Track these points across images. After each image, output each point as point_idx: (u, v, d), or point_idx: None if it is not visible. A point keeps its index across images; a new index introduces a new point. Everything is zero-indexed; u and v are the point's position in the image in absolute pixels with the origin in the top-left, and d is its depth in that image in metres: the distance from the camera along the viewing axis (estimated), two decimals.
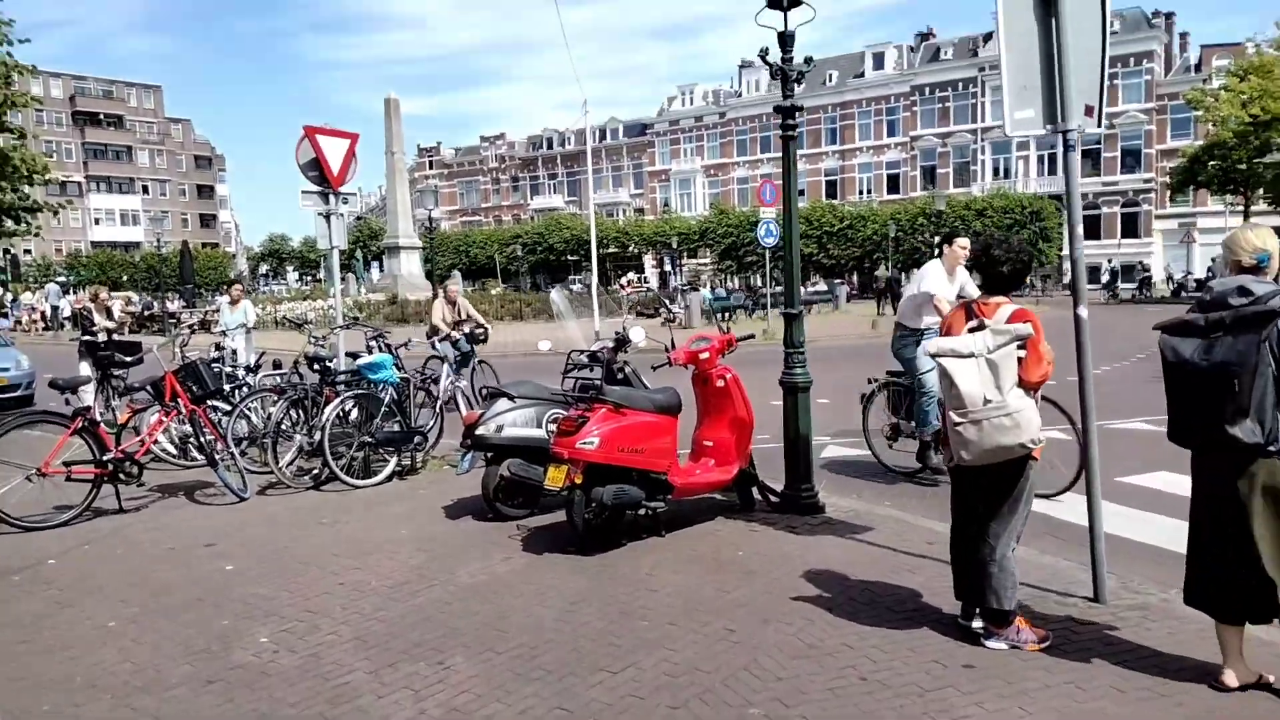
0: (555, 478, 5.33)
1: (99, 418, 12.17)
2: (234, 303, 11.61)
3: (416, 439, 7.80)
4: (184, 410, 6.88)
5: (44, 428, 6.27)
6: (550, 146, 77.36)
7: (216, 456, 6.92)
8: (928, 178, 57.93)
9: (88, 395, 11.83)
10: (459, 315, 10.51)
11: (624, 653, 3.94)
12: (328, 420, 7.18)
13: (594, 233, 23.28)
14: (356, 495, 7.21)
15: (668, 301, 36.10)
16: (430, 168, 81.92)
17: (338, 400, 7.33)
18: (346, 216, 9.75)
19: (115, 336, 12.20)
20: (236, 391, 9.43)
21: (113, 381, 11.56)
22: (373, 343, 8.68)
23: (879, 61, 60.08)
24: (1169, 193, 49.58)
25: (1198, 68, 51.33)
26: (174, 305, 36.06)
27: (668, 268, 59.50)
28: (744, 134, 64.74)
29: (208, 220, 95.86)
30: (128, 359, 11.60)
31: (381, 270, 55.16)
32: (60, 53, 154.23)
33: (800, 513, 6.14)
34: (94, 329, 11.76)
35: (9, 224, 10.25)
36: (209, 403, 7.43)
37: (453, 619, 4.41)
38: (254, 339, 11.68)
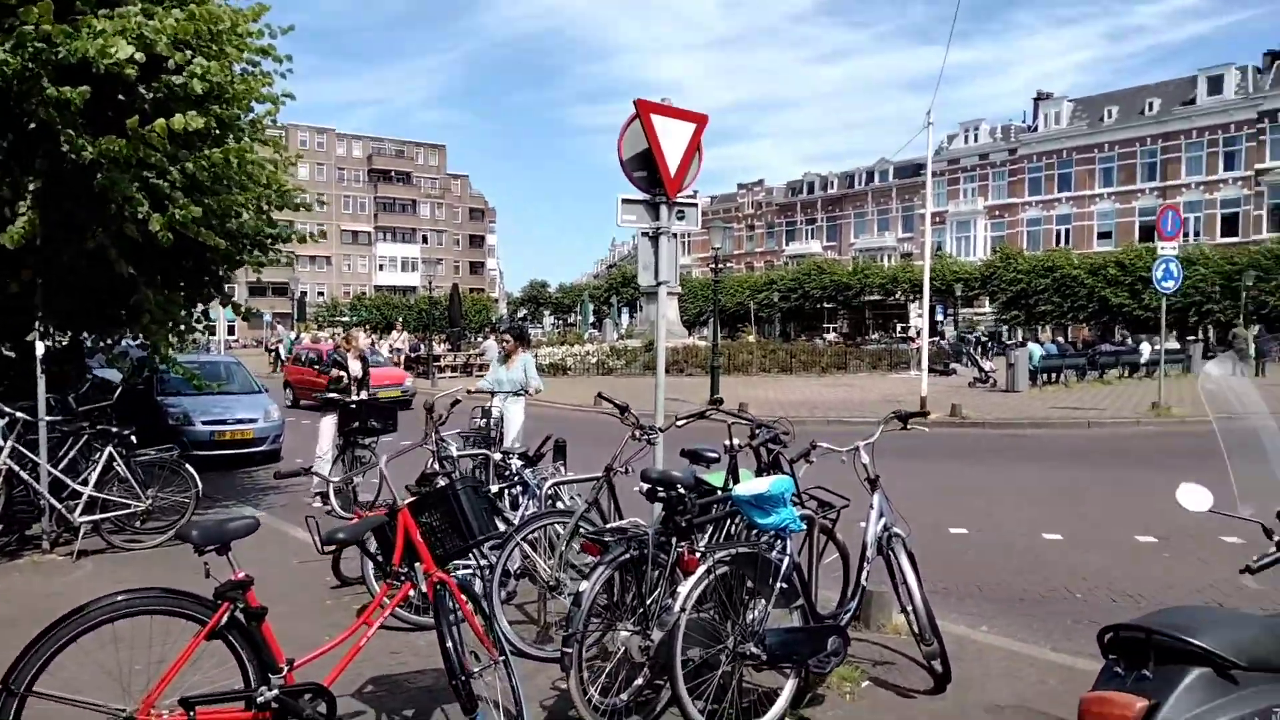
0: None
1: (334, 500, 9.66)
2: (507, 357, 8.61)
3: (832, 642, 4.02)
4: (423, 584, 3.50)
5: (167, 619, 3.10)
6: (811, 191, 73.96)
7: (471, 678, 3.45)
8: (1278, 217, 47.69)
9: (324, 466, 9.28)
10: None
11: None
12: (687, 603, 3.61)
13: (927, 270, 18.37)
14: None
15: (977, 356, 29.80)
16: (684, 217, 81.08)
17: (703, 567, 3.72)
18: (679, 237, 6.37)
19: (366, 394, 9.69)
20: (505, 495, 6.26)
21: (358, 452, 8.96)
22: (748, 445, 4.73)
23: (1215, 85, 50.62)
24: None
25: None
26: (440, 348, 35.78)
27: (940, 316, 53.16)
28: (1037, 171, 57.10)
29: (476, 267, 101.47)
30: (378, 426, 8.99)
31: (632, 316, 53.43)
32: (365, 124, 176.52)
33: None
34: (342, 384, 9.26)
35: (256, 253, 7.77)
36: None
37: None
38: (525, 407, 8.63)
